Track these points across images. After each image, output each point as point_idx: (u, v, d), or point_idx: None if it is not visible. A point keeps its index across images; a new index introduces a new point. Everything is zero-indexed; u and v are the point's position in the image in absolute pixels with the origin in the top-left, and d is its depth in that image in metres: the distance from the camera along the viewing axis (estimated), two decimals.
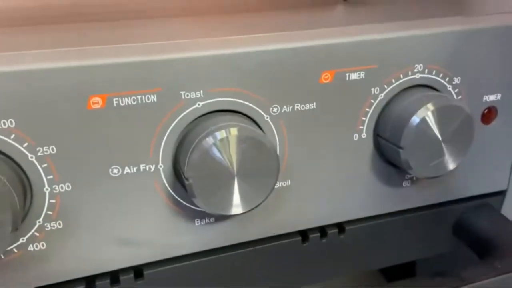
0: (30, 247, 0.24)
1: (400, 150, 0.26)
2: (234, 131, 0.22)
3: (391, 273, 0.49)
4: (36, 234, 0.23)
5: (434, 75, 0.27)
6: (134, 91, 0.22)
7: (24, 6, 0.29)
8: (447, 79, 0.27)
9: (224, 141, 0.22)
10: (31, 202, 0.23)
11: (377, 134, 0.27)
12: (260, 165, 0.23)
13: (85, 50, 0.22)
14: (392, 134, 0.26)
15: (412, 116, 0.25)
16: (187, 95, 0.23)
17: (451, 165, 0.26)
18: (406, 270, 0.45)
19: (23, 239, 0.23)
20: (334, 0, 0.33)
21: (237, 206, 0.23)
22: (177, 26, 0.27)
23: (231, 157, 0.22)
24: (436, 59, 0.27)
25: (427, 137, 0.26)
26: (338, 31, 0.26)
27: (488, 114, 0.29)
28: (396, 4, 0.33)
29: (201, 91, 0.23)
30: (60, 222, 0.23)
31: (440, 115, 0.25)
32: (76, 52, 0.22)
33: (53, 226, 0.23)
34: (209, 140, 0.22)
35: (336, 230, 0.29)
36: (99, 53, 0.22)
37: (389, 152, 0.27)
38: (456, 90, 0.28)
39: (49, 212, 0.23)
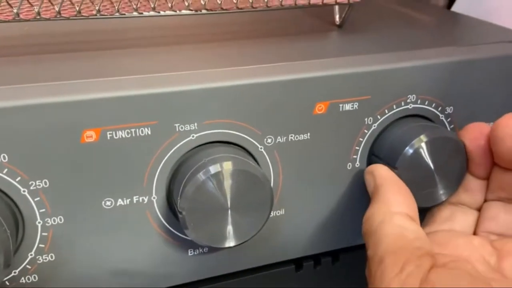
0: (22, 280, 0.23)
1: None
2: (228, 165, 0.22)
3: None
4: (28, 266, 0.23)
5: (427, 105, 0.27)
6: (129, 124, 0.22)
7: (12, 35, 0.29)
8: (439, 108, 0.28)
9: (218, 175, 0.22)
10: (23, 235, 0.23)
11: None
12: (254, 198, 0.23)
13: (78, 84, 0.22)
14: (386, 163, 0.26)
15: (406, 146, 0.26)
16: (182, 128, 0.23)
17: (443, 196, 0.26)
18: None
19: (15, 272, 0.23)
20: (327, 27, 0.33)
21: (230, 239, 0.23)
22: (170, 57, 0.27)
23: (224, 190, 0.22)
24: (429, 89, 0.27)
25: (420, 167, 0.26)
26: (332, 63, 0.26)
27: None
28: (389, 31, 0.33)
29: (195, 123, 0.23)
30: (52, 254, 0.23)
31: (433, 146, 0.25)
32: (69, 86, 0.22)
33: (45, 259, 0.23)
34: (203, 174, 0.22)
35: (330, 258, 0.29)
36: (93, 87, 0.22)
37: None
38: (449, 119, 0.28)
39: (41, 245, 0.23)
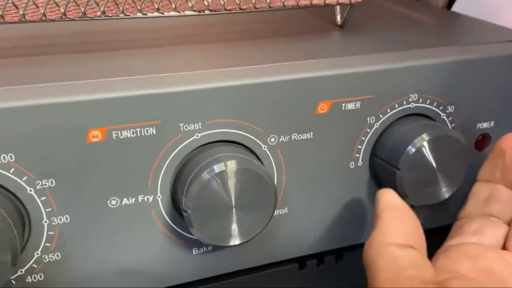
0: (28, 279, 0.24)
1: (397, 178, 0.26)
2: (232, 163, 0.23)
3: None
4: (34, 265, 0.23)
5: (428, 104, 0.28)
6: (134, 124, 0.23)
7: (17, 36, 0.29)
8: (441, 107, 0.28)
9: (222, 174, 0.22)
10: (29, 234, 0.23)
11: (373, 166, 0.28)
12: (258, 196, 0.23)
13: (84, 84, 0.22)
14: (388, 162, 0.27)
15: (408, 145, 0.26)
16: (186, 127, 0.24)
17: (446, 194, 0.27)
18: None
19: (21, 271, 0.23)
20: (329, 27, 0.33)
21: (234, 237, 0.24)
22: (173, 57, 0.27)
23: (229, 189, 0.23)
24: (430, 88, 0.27)
25: (422, 166, 0.26)
26: (334, 62, 0.26)
27: (482, 141, 0.30)
28: (390, 31, 0.33)
29: (200, 123, 0.24)
30: (58, 253, 0.23)
31: (435, 145, 0.26)
32: (75, 86, 0.22)
33: (51, 258, 0.23)
34: (208, 173, 0.22)
35: (334, 257, 0.30)
36: (98, 87, 0.22)
37: (385, 179, 0.27)
38: (450, 118, 0.28)
39: (47, 244, 0.23)
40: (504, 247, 0.24)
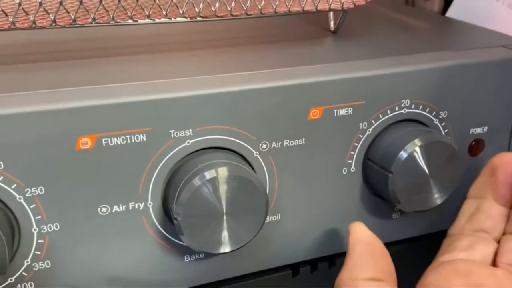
0: (18, 287, 0.23)
1: (389, 181, 0.26)
2: (223, 170, 0.22)
3: None
4: (24, 274, 0.23)
5: (421, 109, 0.28)
6: (124, 131, 0.23)
7: (6, 43, 0.29)
8: (433, 113, 0.28)
9: (213, 181, 0.22)
10: (19, 242, 0.23)
11: (365, 171, 0.27)
12: (249, 203, 0.23)
13: (73, 91, 0.22)
14: (380, 166, 0.26)
15: (401, 149, 0.26)
16: (177, 134, 0.23)
17: (438, 200, 0.26)
18: None
19: (11, 279, 0.23)
20: (322, 33, 0.33)
21: (225, 245, 0.23)
22: (164, 63, 0.27)
23: (220, 196, 0.23)
24: (422, 94, 0.27)
25: (414, 171, 0.26)
26: (325, 68, 0.26)
27: (475, 147, 0.30)
28: (384, 37, 0.33)
29: (190, 130, 0.24)
30: (48, 261, 0.23)
31: (428, 151, 0.26)
32: (64, 93, 0.22)
33: (41, 266, 0.23)
34: (198, 179, 0.22)
35: (327, 263, 0.29)
36: (88, 94, 0.22)
37: (378, 184, 0.27)
38: (443, 124, 0.28)
39: (37, 252, 0.23)
40: (494, 263, 0.24)
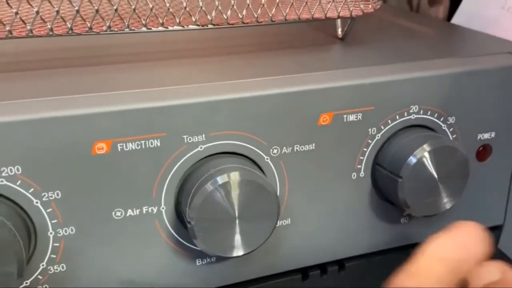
0: None
1: (399, 186, 0.26)
2: (235, 175, 0.23)
3: None
4: (40, 277, 0.24)
5: (429, 115, 0.28)
6: (139, 136, 0.23)
7: (22, 50, 0.30)
8: (441, 119, 0.28)
9: (225, 186, 0.23)
10: (35, 246, 0.23)
11: (374, 176, 0.28)
12: (261, 208, 0.24)
13: (89, 97, 0.23)
14: (390, 171, 0.27)
15: (410, 154, 0.26)
16: (190, 139, 0.24)
17: (447, 204, 0.27)
18: None
19: (26, 283, 0.23)
20: (331, 40, 0.34)
21: (238, 248, 0.24)
22: (178, 70, 0.27)
23: (232, 200, 0.23)
24: (431, 100, 0.28)
25: (424, 175, 0.26)
26: (335, 75, 0.26)
27: (483, 152, 0.30)
28: (391, 44, 0.34)
29: (203, 135, 0.24)
30: (64, 265, 0.24)
31: (437, 155, 0.26)
32: (81, 99, 0.23)
33: (56, 269, 0.24)
34: (211, 184, 0.23)
35: (336, 267, 0.30)
36: (104, 101, 0.23)
37: (387, 189, 0.28)
38: (451, 129, 0.29)
39: (52, 256, 0.23)
40: None
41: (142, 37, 0.30)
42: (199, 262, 0.26)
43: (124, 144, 0.23)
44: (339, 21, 0.34)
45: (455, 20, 0.42)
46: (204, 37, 0.33)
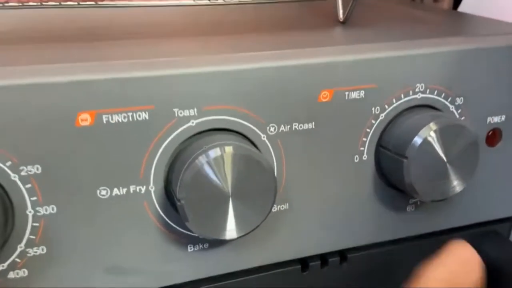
0: (11, 275, 0.22)
1: (404, 167, 0.24)
2: (229, 149, 0.21)
3: None
4: (17, 260, 0.22)
5: (436, 95, 0.26)
6: (125, 108, 0.21)
7: (10, 25, 0.28)
8: (449, 99, 0.27)
9: (218, 160, 0.21)
10: (12, 226, 0.21)
11: (378, 158, 0.26)
12: (257, 185, 0.22)
13: (74, 66, 0.21)
14: (394, 152, 0.25)
15: (415, 134, 0.24)
16: (181, 113, 0.22)
17: (457, 188, 0.25)
18: None
19: (3, 266, 0.22)
20: (331, 23, 0.32)
21: (231, 230, 0.22)
22: (171, 44, 0.26)
23: (225, 177, 0.21)
24: (438, 79, 0.26)
25: (430, 156, 0.24)
26: (337, 50, 0.25)
27: (493, 136, 0.28)
28: (394, 27, 0.32)
29: (195, 109, 0.23)
30: (44, 247, 0.22)
31: (444, 135, 0.24)
32: (64, 67, 0.21)
33: (36, 252, 0.22)
34: (203, 158, 0.21)
35: (338, 258, 0.28)
36: (89, 69, 0.21)
37: (392, 172, 0.26)
38: (459, 111, 0.27)
39: (31, 237, 0.22)
40: None
41: (136, 14, 0.29)
42: (190, 249, 0.25)
43: (109, 116, 0.21)
44: (340, 3, 0.32)
45: (461, 10, 0.41)
46: (201, 16, 0.32)
